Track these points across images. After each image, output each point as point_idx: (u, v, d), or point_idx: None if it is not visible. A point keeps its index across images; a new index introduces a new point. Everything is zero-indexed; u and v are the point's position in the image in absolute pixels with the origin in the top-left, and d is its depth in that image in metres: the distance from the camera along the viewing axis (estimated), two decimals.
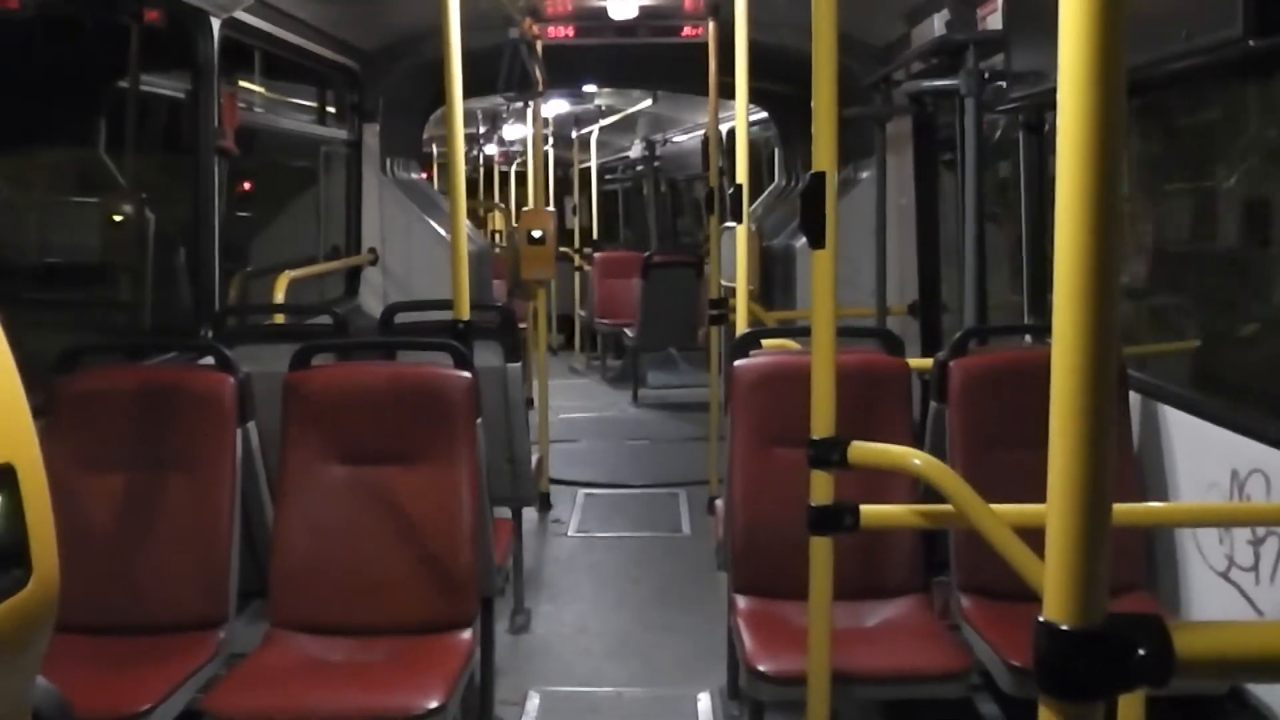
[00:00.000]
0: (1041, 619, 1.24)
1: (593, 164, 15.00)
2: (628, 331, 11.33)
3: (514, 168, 17.12)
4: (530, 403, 5.28)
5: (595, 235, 15.03)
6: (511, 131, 14.90)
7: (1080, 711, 1.22)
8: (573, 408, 9.19)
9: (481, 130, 14.78)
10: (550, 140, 12.90)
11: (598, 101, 12.09)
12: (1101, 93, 1.17)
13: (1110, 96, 1.17)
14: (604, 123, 13.77)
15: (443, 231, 7.07)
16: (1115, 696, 1.23)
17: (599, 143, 14.82)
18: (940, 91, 5.51)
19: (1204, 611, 3.48)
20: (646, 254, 11.68)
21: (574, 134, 14.45)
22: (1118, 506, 3.33)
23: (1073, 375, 1.21)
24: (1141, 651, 1.21)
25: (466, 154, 14.40)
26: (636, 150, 15.69)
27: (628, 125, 13.95)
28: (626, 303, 12.25)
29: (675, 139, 14.05)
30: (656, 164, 15.14)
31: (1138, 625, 1.22)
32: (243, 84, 6.39)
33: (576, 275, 14.16)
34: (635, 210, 18.12)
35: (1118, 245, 1.20)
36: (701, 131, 12.46)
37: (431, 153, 13.47)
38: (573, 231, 15.55)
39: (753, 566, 3.92)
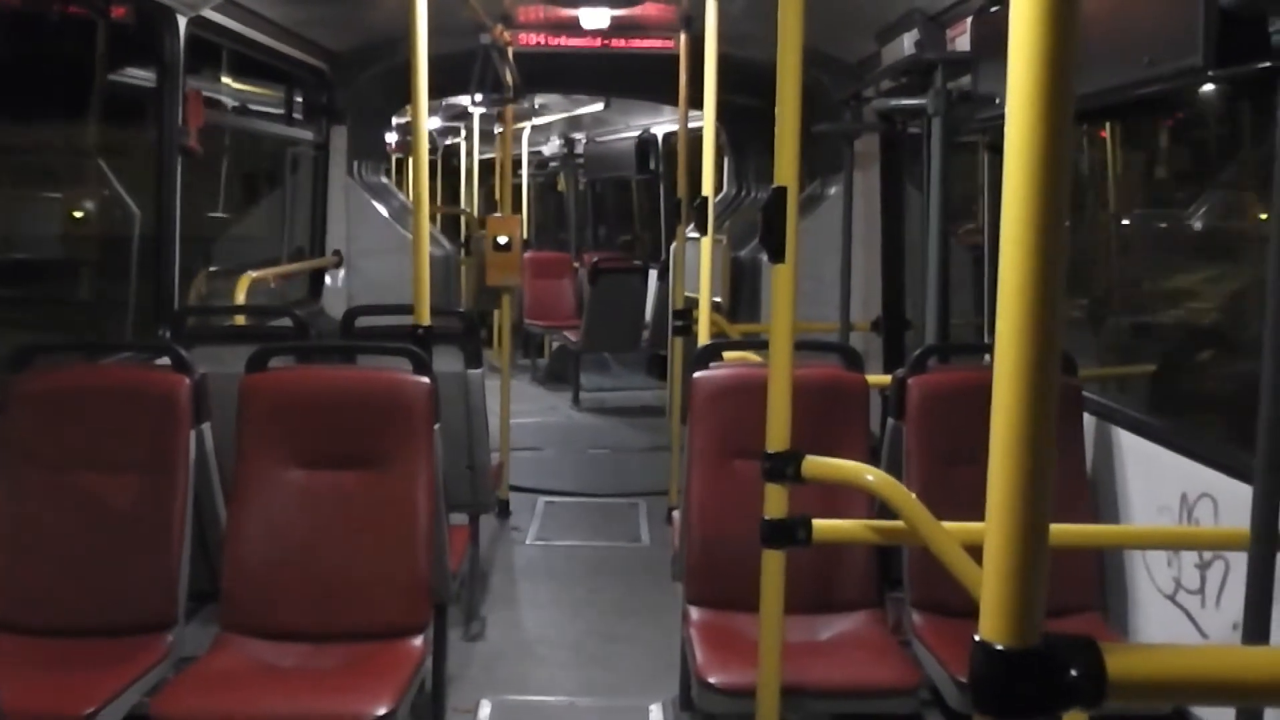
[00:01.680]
0: (978, 638, 1.25)
1: (524, 161, 14.84)
2: (567, 334, 11.32)
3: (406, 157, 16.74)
4: None
5: (526, 235, 14.89)
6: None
7: None
8: (514, 411, 9.22)
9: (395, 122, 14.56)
10: (464, 134, 12.72)
11: (537, 100, 12.02)
12: (1049, 118, 1.18)
13: (1058, 122, 1.18)
14: (537, 121, 13.64)
15: (409, 235, 7.05)
16: (1050, 716, 1.24)
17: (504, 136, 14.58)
18: (908, 110, 5.55)
19: (1151, 633, 3.52)
20: (594, 259, 11.66)
21: (495, 129, 14.23)
22: (1069, 528, 3.37)
23: (1014, 396, 1.22)
24: (1074, 672, 1.22)
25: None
26: (552, 147, 15.52)
27: (546, 123, 13.81)
28: (556, 304, 12.18)
29: (602, 139, 13.96)
30: (579, 162, 14.96)
31: (1072, 646, 1.23)
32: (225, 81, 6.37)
33: None
34: (549, 207, 17.95)
35: (1061, 269, 1.21)
36: (630, 134, 12.44)
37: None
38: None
39: (707, 578, 3.92)
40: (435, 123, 14.43)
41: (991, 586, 1.24)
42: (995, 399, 1.23)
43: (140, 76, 5.28)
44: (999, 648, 1.23)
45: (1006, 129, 1.20)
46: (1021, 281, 1.20)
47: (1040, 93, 1.17)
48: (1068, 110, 1.18)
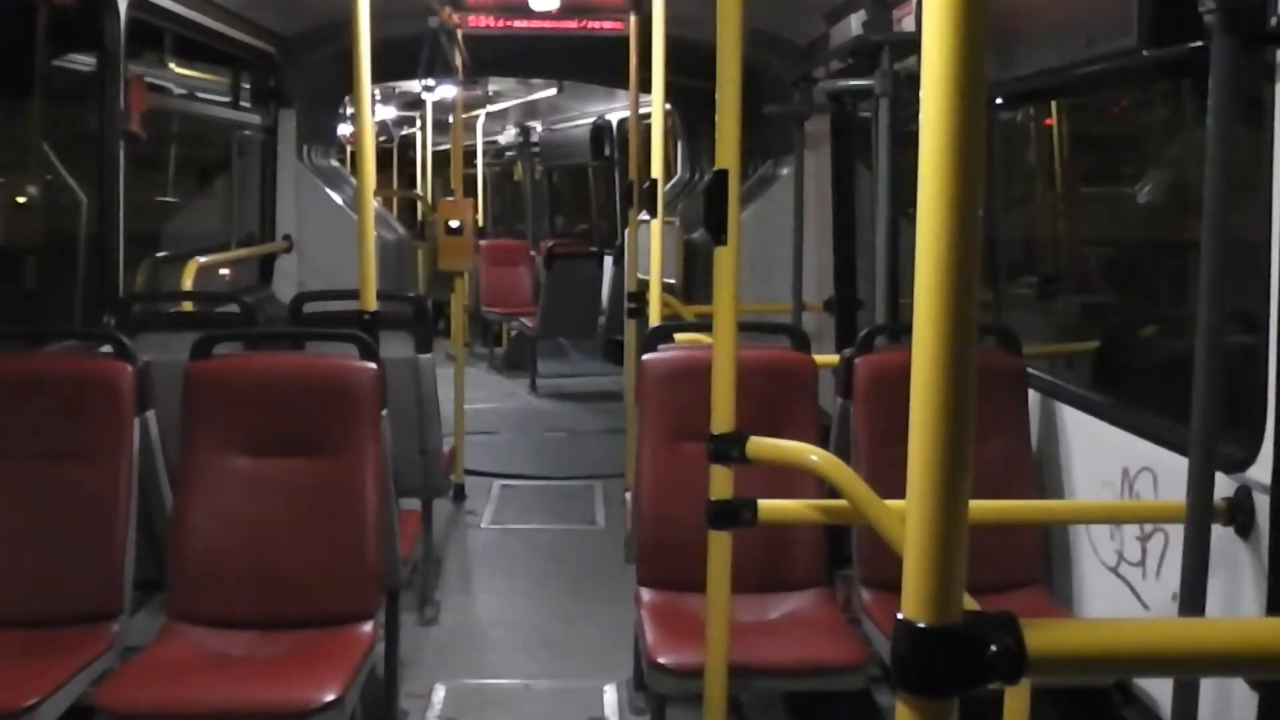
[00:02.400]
0: (900, 616, 1.27)
1: (479, 151, 14.79)
2: (525, 321, 11.32)
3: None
4: None
5: (481, 222, 14.87)
6: (376, 113, 14.45)
7: (934, 707, 1.24)
8: (472, 398, 9.24)
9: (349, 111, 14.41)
10: (433, 127, 12.67)
11: (490, 87, 11.95)
12: (962, 102, 1.19)
13: (971, 105, 1.19)
14: (491, 108, 13.60)
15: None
16: (969, 692, 1.25)
17: (465, 126, 14.52)
18: (856, 91, 5.56)
19: (1095, 606, 3.57)
20: (549, 244, 11.64)
21: (450, 118, 14.10)
22: (1014, 504, 3.42)
23: (932, 376, 1.23)
24: (994, 648, 1.23)
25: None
26: (509, 136, 15.48)
27: (499, 111, 13.76)
28: (513, 291, 12.19)
29: (557, 126, 13.94)
30: (535, 150, 14.97)
31: (992, 623, 1.25)
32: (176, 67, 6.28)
33: None
34: (507, 197, 17.93)
35: (977, 249, 1.21)
36: (585, 121, 12.41)
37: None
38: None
39: (658, 560, 3.94)
40: (391, 112, 14.32)
41: (912, 565, 1.25)
42: (914, 378, 1.24)
43: (83, 61, 5.20)
44: (920, 625, 1.25)
45: (921, 112, 1.21)
46: (938, 261, 1.21)
47: (953, 77, 1.18)
48: (980, 94, 1.19)
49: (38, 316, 5.69)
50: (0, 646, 3.29)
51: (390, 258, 7.47)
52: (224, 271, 6.91)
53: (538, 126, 14.43)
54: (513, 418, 9.59)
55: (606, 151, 11.93)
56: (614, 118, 11.72)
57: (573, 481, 7.59)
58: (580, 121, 12.69)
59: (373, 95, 11.37)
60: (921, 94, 1.20)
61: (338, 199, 7.37)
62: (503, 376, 11.60)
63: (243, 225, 7.26)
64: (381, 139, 16.73)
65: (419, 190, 13.90)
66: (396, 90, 12.09)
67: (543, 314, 10.88)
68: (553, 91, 11.56)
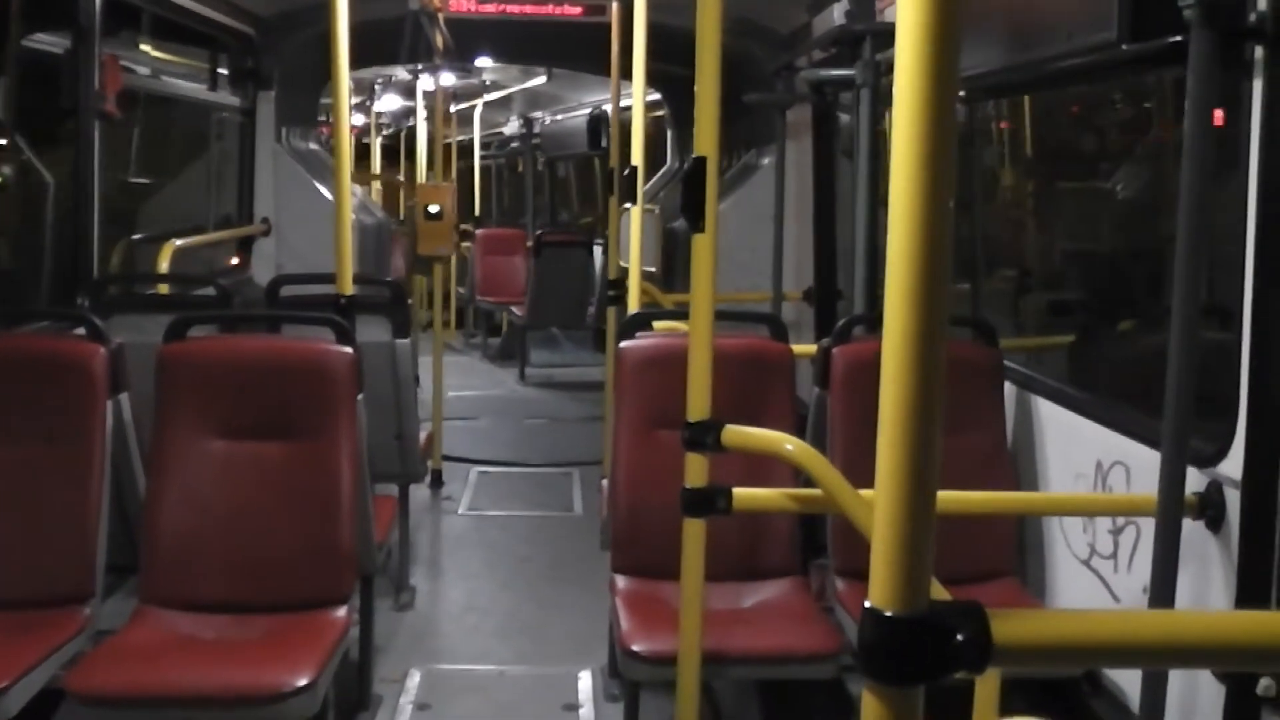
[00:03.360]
0: (867, 604, 1.27)
1: (475, 140, 14.77)
2: (515, 310, 11.30)
3: (379, 139, 16.65)
4: (417, 379, 5.24)
5: (477, 212, 14.88)
6: (382, 103, 14.46)
7: (900, 696, 1.24)
8: (459, 385, 9.20)
9: (354, 100, 14.32)
10: (425, 114, 12.67)
11: (485, 76, 11.91)
12: (934, 95, 1.19)
13: (943, 96, 1.19)
14: (488, 98, 13.60)
15: None
16: (936, 681, 1.26)
17: (466, 117, 14.44)
18: (838, 81, 5.56)
19: (1067, 598, 3.59)
20: (537, 232, 11.62)
21: (452, 108, 14.10)
22: (988, 495, 3.43)
23: (901, 366, 1.24)
24: (960, 638, 1.24)
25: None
26: (513, 127, 15.50)
27: (503, 101, 13.74)
28: (508, 280, 12.19)
29: (557, 117, 13.92)
30: (536, 142, 14.98)
31: (958, 612, 1.25)
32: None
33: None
34: (509, 187, 17.93)
35: (947, 242, 1.21)
36: (585, 111, 12.39)
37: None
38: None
39: (633, 547, 3.94)
40: (397, 102, 14.27)
41: (880, 554, 1.26)
42: (884, 368, 1.25)
43: (51, 42, 5.15)
44: (887, 614, 1.25)
45: (894, 104, 1.21)
46: (909, 252, 1.21)
47: (925, 68, 1.17)
48: (952, 85, 1.19)
49: (11, 297, 5.65)
50: None
51: (369, 242, 7.44)
52: (234, 261, 6.89)
53: (543, 117, 14.40)
54: (496, 405, 9.59)
55: (603, 142, 11.90)
56: (611, 108, 11.68)
57: (551, 468, 7.59)
58: (579, 112, 12.68)
59: (372, 86, 11.26)
60: (895, 84, 1.20)
61: (316, 183, 7.32)
62: (494, 365, 11.61)
63: (219, 208, 7.21)
64: (388, 130, 16.70)
65: (421, 180, 13.87)
66: (393, 79, 12.03)
67: (531, 302, 10.87)
68: (542, 79, 11.51)
